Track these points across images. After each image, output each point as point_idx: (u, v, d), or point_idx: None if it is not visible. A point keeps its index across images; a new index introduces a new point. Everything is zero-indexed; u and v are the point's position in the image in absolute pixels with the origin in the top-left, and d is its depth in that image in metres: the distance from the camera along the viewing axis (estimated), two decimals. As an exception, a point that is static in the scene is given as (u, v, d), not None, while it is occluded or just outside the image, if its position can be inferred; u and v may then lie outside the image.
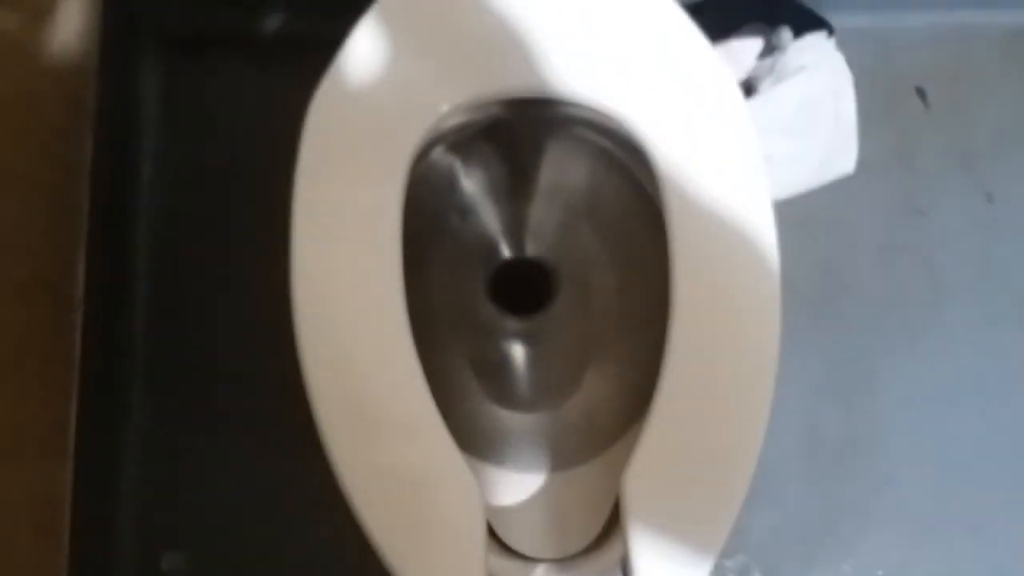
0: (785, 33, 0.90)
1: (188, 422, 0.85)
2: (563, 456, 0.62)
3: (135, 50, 0.91)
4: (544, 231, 0.70)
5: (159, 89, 0.92)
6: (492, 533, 0.55)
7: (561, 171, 0.68)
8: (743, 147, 0.58)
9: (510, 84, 0.57)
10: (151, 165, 0.90)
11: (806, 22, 0.91)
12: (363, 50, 0.56)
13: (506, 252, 0.70)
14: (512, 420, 0.65)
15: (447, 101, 0.57)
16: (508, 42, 0.57)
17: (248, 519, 0.82)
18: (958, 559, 0.86)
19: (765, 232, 0.57)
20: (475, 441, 0.61)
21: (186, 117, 0.92)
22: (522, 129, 0.65)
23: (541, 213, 0.70)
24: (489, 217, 0.70)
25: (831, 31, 0.90)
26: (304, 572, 0.82)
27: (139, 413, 0.84)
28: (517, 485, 0.60)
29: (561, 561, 0.54)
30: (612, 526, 0.54)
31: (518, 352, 0.69)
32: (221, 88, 0.92)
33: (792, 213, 0.90)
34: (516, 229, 0.70)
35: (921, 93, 0.98)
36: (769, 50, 0.91)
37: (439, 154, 0.66)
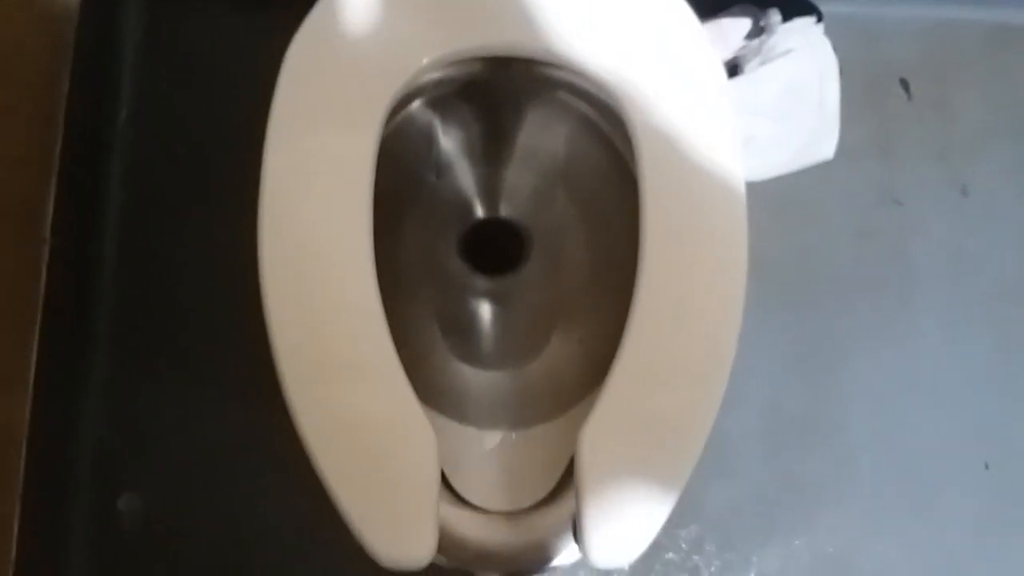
0: (774, 15, 0.90)
1: (152, 364, 0.84)
2: (524, 415, 0.63)
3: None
4: (519, 193, 0.70)
5: (139, 31, 0.91)
6: (447, 483, 0.55)
7: (540, 135, 0.68)
8: (721, 122, 0.58)
9: (491, 41, 0.57)
10: (128, 106, 0.90)
11: (796, 6, 0.91)
12: (344, -4, 0.56)
13: (480, 212, 0.70)
14: (476, 377, 0.66)
15: (427, 54, 0.56)
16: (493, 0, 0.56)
17: (209, 465, 0.82)
18: (910, 542, 0.88)
19: (735, 206, 0.57)
20: (438, 396, 0.62)
21: (165, 60, 0.91)
22: (502, 90, 0.65)
23: (517, 175, 0.70)
24: (465, 176, 0.70)
25: (820, 17, 0.91)
26: (262, 522, 0.82)
27: (103, 353, 0.84)
28: (476, 440, 0.61)
29: (513, 514, 0.55)
30: (566, 483, 0.55)
31: (486, 311, 0.69)
32: (201, 32, 0.91)
33: (770, 195, 0.91)
34: (491, 190, 0.70)
35: (904, 84, 0.99)
36: (757, 31, 0.91)
37: (418, 109, 0.65)
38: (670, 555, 0.86)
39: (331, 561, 0.79)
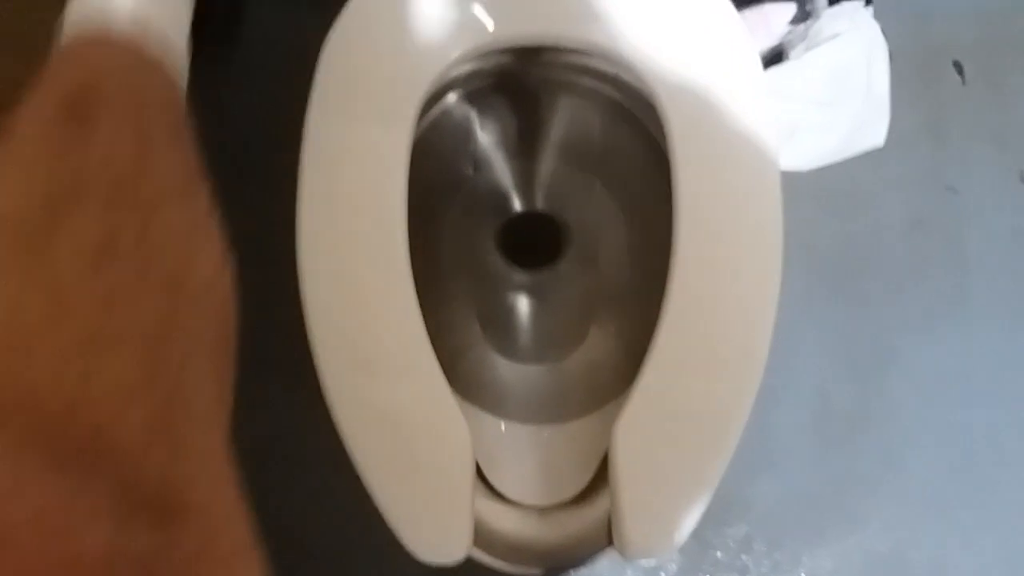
0: (820, -1, 0.88)
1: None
2: (561, 409, 0.62)
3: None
4: (556, 186, 0.69)
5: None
6: (482, 477, 0.55)
7: (575, 125, 0.68)
8: (755, 109, 0.57)
9: (517, 31, 0.57)
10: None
11: (842, -11, 0.89)
12: (376, -8, 0.56)
13: (517, 205, 0.70)
14: (514, 371, 0.66)
15: (456, 48, 0.57)
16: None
17: (252, 461, 0.83)
18: (963, 539, 0.85)
19: (770, 194, 0.56)
20: (476, 389, 0.62)
21: (210, 52, 0.92)
22: (535, 80, 0.65)
23: (554, 167, 0.69)
24: (502, 170, 0.70)
25: (868, 0, 0.88)
26: (305, 517, 0.82)
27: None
28: (512, 434, 0.60)
29: (547, 509, 0.55)
30: (601, 479, 0.55)
31: (524, 305, 0.69)
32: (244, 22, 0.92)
33: (819, 184, 0.89)
34: (528, 183, 0.70)
35: (958, 67, 0.96)
36: (803, 16, 0.89)
37: (454, 102, 0.66)
38: (719, 554, 0.84)
39: (373, 555, 0.80)
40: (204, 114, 0.90)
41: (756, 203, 0.55)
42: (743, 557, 0.85)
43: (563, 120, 0.67)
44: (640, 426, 0.52)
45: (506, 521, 0.53)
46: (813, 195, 0.92)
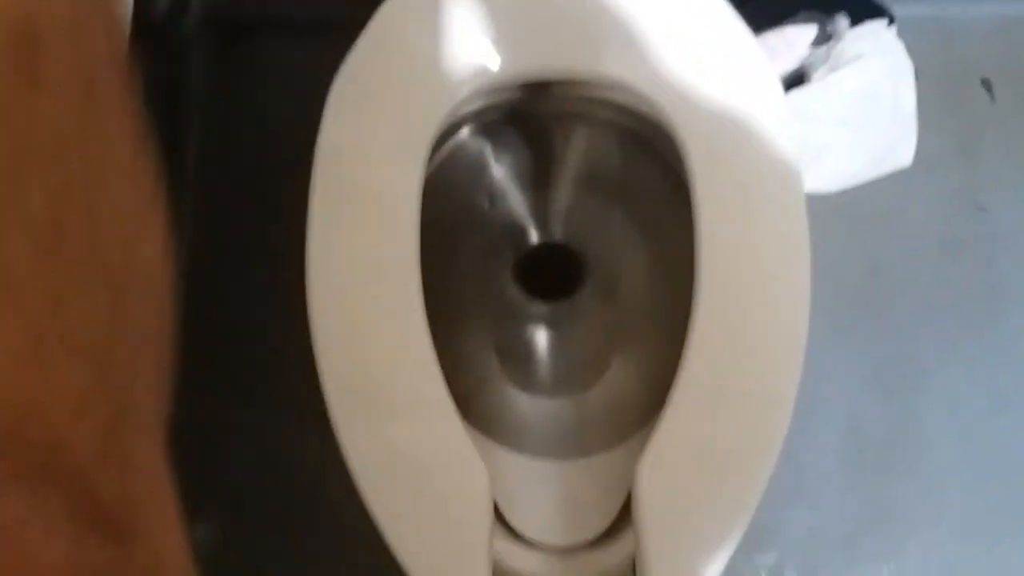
0: (842, 21, 0.88)
1: (219, 390, 0.85)
2: (582, 444, 0.61)
3: (177, 31, 0.93)
4: (573, 217, 0.69)
5: (203, 72, 0.94)
6: (500, 517, 0.54)
7: (590, 156, 0.67)
8: (777, 134, 0.56)
9: (528, 67, 0.57)
10: (196, 146, 0.92)
11: (865, 10, 0.88)
12: (386, 30, 0.56)
13: (534, 237, 0.69)
14: (534, 405, 0.65)
15: (466, 86, 0.56)
16: (530, 24, 0.56)
17: (277, 493, 0.83)
18: (1002, 566, 0.82)
19: (797, 223, 0.55)
20: (494, 425, 0.61)
21: (231, 98, 0.93)
22: (547, 113, 0.65)
23: (570, 198, 0.69)
24: (518, 202, 0.69)
25: (891, 19, 0.87)
26: (339, 547, 0.82)
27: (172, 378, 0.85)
28: (532, 471, 0.59)
29: (569, 550, 0.54)
30: (625, 518, 0.53)
31: (543, 337, 0.68)
32: (266, 69, 0.93)
33: (845, 206, 0.88)
34: (545, 214, 0.69)
35: (987, 85, 0.94)
36: (824, 38, 0.88)
37: (468, 137, 0.65)
38: (747, 583, 0.83)
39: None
40: (229, 158, 0.92)
41: (781, 230, 0.54)
42: (774, 587, 0.83)
43: (579, 150, 0.67)
44: (665, 464, 0.50)
45: (525, 563, 0.52)
46: (840, 217, 0.90)
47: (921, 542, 0.83)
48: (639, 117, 0.60)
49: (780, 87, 0.58)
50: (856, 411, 0.86)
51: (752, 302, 0.53)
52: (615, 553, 0.52)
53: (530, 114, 0.63)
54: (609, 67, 0.56)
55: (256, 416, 0.84)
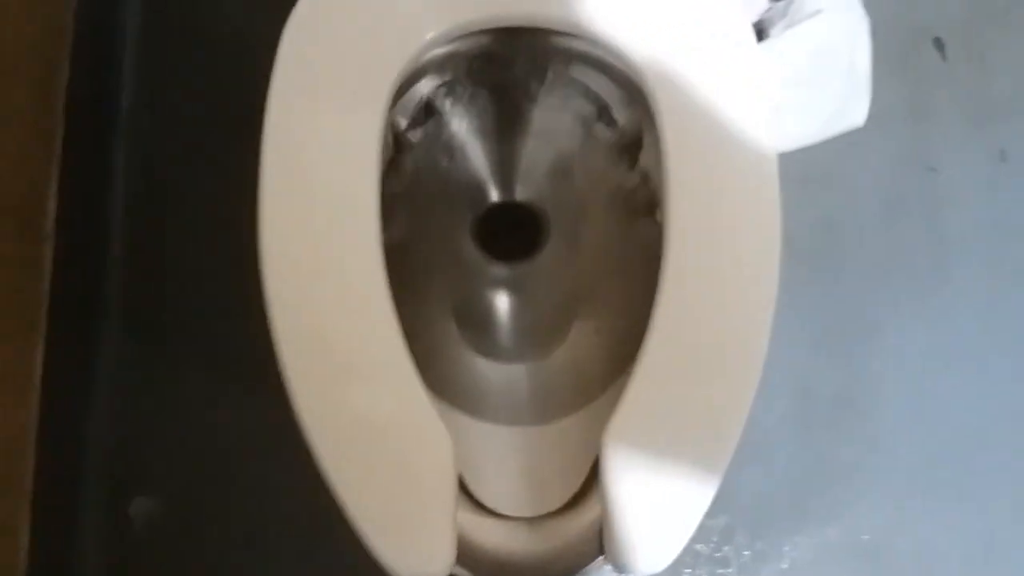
0: (800, -25, 0.86)
1: (162, 362, 0.82)
2: (545, 409, 0.60)
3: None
4: (535, 175, 0.66)
5: (138, 12, 0.88)
6: (464, 488, 0.52)
7: (555, 111, 0.64)
8: (751, 93, 0.54)
9: (498, 11, 0.54)
10: (130, 93, 0.86)
11: (823, -36, 0.87)
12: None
13: (495, 195, 0.67)
14: (495, 371, 0.63)
15: (431, 28, 0.53)
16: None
17: (222, 465, 0.80)
18: (948, 525, 0.84)
19: (767, 184, 0.54)
20: (455, 391, 0.59)
21: (167, 42, 0.87)
22: (514, 64, 0.62)
23: (533, 156, 0.66)
24: (479, 158, 0.66)
25: (849, -26, 0.86)
26: (281, 521, 0.79)
27: (111, 352, 0.81)
28: (495, 438, 0.58)
29: (534, 520, 0.52)
30: (590, 485, 0.52)
31: (503, 300, 0.66)
32: (203, 11, 0.87)
33: (797, 166, 0.86)
34: (506, 172, 0.67)
35: (939, 44, 0.94)
36: (783, -8, 0.86)
37: (427, 87, 0.62)
38: (699, 546, 0.83)
39: (348, 563, 0.77)
40: (165, 106, 0.87)
41: (752, 192, 0.53)
42: (725, 548, 0.83)
43: (543, 105, 0.64)
44: (631, 432, 0.49)
45: (491, 534, 0.50)
46: (791, 177, 0.88)
47: (868, 501, 0.84)
48: (611, 71, 0.57)
49: (754, 43, 0.56)
50: (807, 372, 0.86)
51: (721, 266, 0.52)
52: (582, 519, 0.51)
53: (494, 65, 0.60)
54: (580, 15, 0.53)
55: (200, 383, 0.81)
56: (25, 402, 0.72)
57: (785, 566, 0.83)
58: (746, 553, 0.83)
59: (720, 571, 0.83)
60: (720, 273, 0.52)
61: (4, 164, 0.73)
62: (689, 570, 0.82)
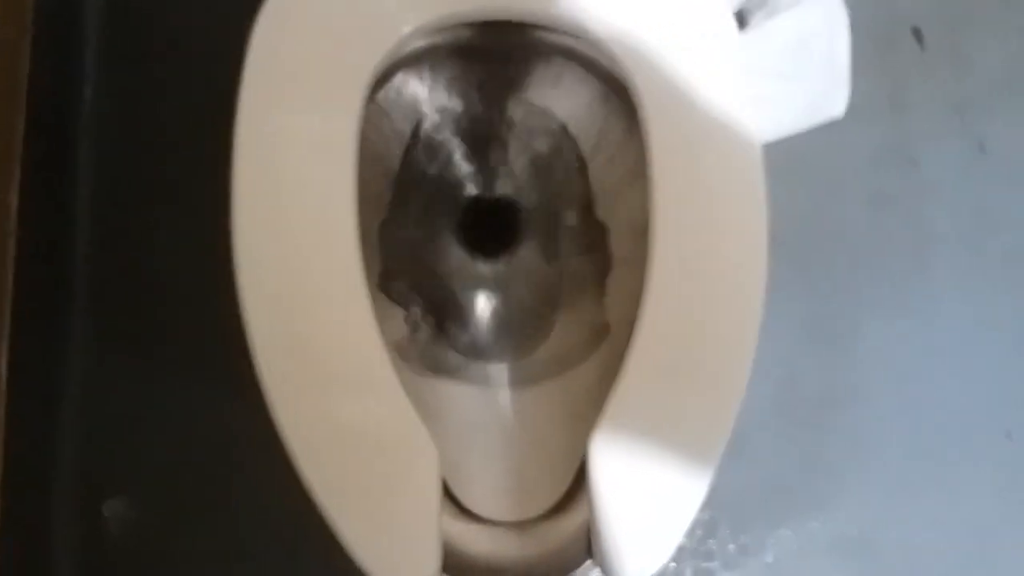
0: (780, -36, 0.85)
1: (132, 361, 0.79)
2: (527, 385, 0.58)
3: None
4: (516, 169, 0.65)
5: (104, 1, 0.85)
6: (448, 494, 0.51)
7: (537, 105, 0.63)
8: (733, 84, 0.53)
9: (479, 4, 0.52)
10: (93, 84, 0.84)
11: (802, -46, 0.86)
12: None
13: (474, 191, 0.65)
14: (475, 370, 0.61)
15: (409, 21, 0.51)
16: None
17: (198, 464, 0.78)
18: (932, 518, 0.84)
19: (753, 176, 0.53)
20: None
21: (131, 31, 0.85)
22: (495, 58, 0.60)
23: (514, 150, 0.65)
24: (457, 154, 0.65)
25: (828, -36, 0.85)
26: (255, 521, 0.78)
27: (79, 350, 0.79)
28: (479, 438, 0.56)
29: (522, 524, 0.51)
30: (577, 489, 0.51)
31: (484, 297, 0.65)
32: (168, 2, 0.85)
33: (775, 158, 0.85)
34: (486, 166, 0.65)
35: (917, 34, 0.93)
36: (762, -18, 0.85)
37: (403, 81, 0.60)
38: (684, 541, 0.82)
39: (328, 568, 0.75)
40: (129, 98, 0.84)
41: (737, 185, 0.52)
42: (709, 542, 0.83)
43: (524, 99, 0.63)
44: (618, 435, 0.48)
45: (478, 540, 0.49)
46: (770, 170, 0.88)
47: (851, 494, 0.84)
48: (592, 65, 0.56)
49: (736, 36, 0.55)
50: (789, 366, 0.86)
51: (708, 264, 0.51)
52: (570, 523, 0.50)
53: (474, 58, 0.59)
54: (560, 7, 0.52)
55: (174, 387, 0.79)
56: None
57: (769, 560, 0.83)
58: (731, 547, 0.83)
59: (705, 564, 0.82)
60: (707, 272, 0.51)
61: (-36, 159, 0.70)
62: (674, 564, 0.82)
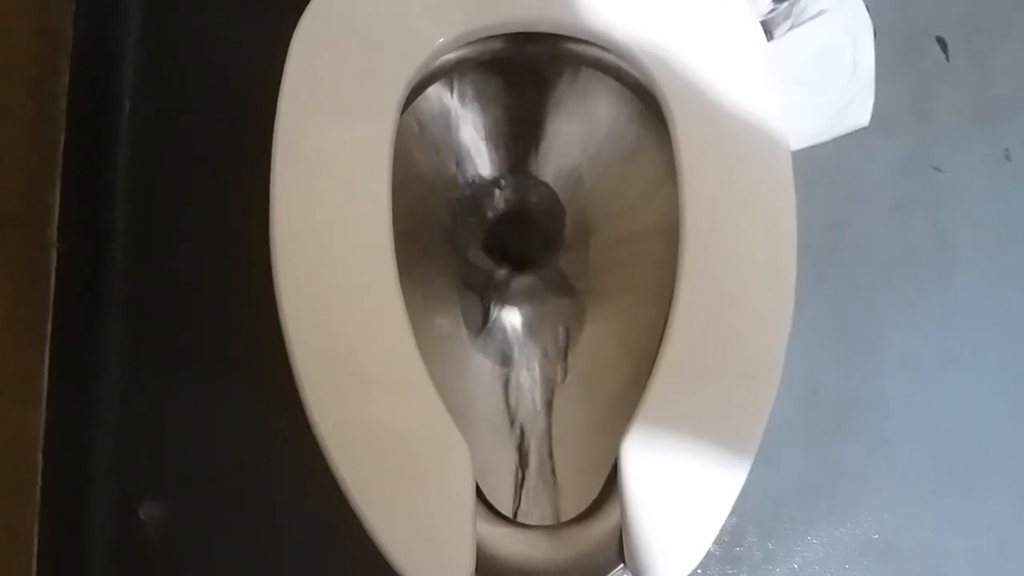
0: (804, -26, 0.86)
1: (168, 367, 0.81)
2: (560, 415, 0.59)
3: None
4: (547, 180, 0.66)
5: (139, 18, 0.87)
6: (482, 498, 0.52)
7: (567, 115, 0.64)
8: (763, 92, 0.54)
9: (510, 16, 0.53)
10: (131, 99, 0.86)
11: (826, -36, 0.86)
12: (353, -25, 0.52)
13: (505, 201, 0.66)
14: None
15: (442, 33, 0.52)
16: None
17: (231, 468, 0.80)
18: (955, 523, 0.84)
19: (782, 183, 0.53)
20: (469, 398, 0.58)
21: (168, 47, 0.87)
22: (525, 68, 0.61)
23: (544, 161, 0.66)
24: (489, 164, 0.66)
25: (852, -26, 0.86)
26: (288, 523, 0.79)
27: (116, 358, 0.80)
28: (510, 448, 0.57)
29: (553, 528, 0.52)
30: (609, 492, 0.52)
31: (514, 305, 0.66)
32: (204, 17, 0.87)
33: (802, 166, 0.86)
34: (517, 176, 0.66)
35: (942, 43, 0.94)
36: (787, -7, 0.86)
37: (436, 92, 0.61)
38: (712, 548, 0.82)
39: (361, 569, 0.76)
40: (166, 112, 0.86)
41: (768, 190, 0.52)
42: (736, 549, 0.83)
43: (555, 109, 0.64)
44: (649, 437, 0.49)
45: (510, 544, 0.50)
46: (797, 177, 0.89)
47: (876, 500, 0.84)
48: (622, 75, 0.57)
49: (764, 44, 0.56)
50: (814, 373, 0.86)
51: (738, 272, 0.52)
52: (602, 527, 0.50)
53: (505, 69, 0.60)
54: (590, 19, 0.53)
55: (208, 392, 0.80)
56: (33, 410, 0.72)
57: (796, 566, 0.83)
58: (757, 553, 0.83)
59: (731, 571, 0.83)
60: (738, 276, 0.51)
61: (8, 171, 0.72)
62: (700, 571, 0.82)
